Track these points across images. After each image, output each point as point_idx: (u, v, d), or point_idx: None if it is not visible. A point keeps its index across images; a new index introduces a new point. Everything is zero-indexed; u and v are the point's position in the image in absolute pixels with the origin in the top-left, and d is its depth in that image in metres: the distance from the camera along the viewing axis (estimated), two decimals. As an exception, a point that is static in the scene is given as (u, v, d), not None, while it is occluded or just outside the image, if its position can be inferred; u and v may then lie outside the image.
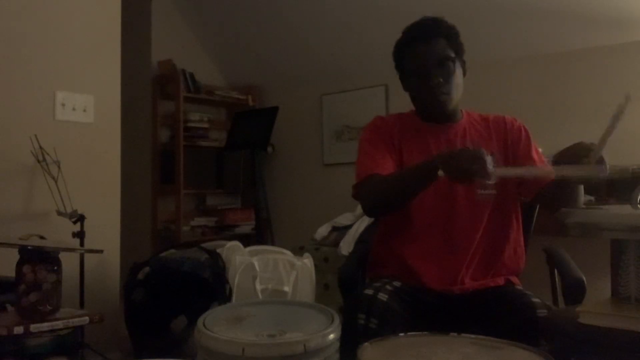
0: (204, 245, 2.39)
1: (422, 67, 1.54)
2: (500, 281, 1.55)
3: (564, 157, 1.30)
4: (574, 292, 1.49)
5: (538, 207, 1.78)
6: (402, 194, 1.47)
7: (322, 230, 3.49)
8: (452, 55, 1.54)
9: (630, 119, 3.21)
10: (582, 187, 1.45)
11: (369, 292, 1.41)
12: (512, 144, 1.61)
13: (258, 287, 2.32)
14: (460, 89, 1.58)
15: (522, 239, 1.64)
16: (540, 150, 1.65)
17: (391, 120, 1.68)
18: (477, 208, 1.55)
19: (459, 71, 1.57)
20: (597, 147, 1.23)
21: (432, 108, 1.59)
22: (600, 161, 1.23)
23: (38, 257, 1.61)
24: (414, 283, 1.52)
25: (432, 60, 1.53)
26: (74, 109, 2.20)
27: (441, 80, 1.52)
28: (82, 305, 2.04)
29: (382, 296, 1.40)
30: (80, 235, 2.05)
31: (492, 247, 1.56)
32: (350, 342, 1.11)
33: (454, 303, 1.49)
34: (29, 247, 1.63)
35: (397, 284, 1.48)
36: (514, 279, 1.60)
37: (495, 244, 1.57)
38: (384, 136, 1.62)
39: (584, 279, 1.51)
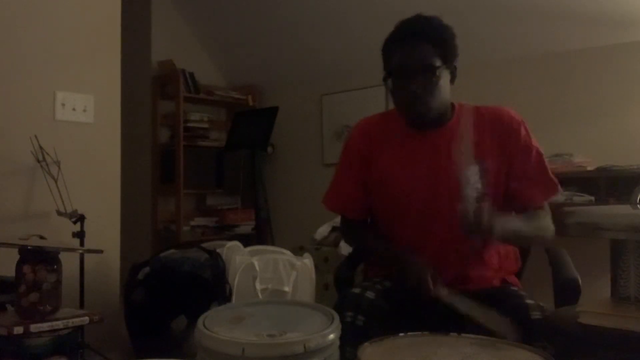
0: (204, 245, 2.39)
1: (403, 71, 1.45)
2: (496, 282, 1.53)
3: None
4: (566, 292, 1.47)
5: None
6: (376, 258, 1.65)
7: (322, 230, 3.49)
8: (437, 64, 1.44)
9: (630, 119, 3.22)
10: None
11: (356, 290, 1.44)
12: (510, 143, 1.50)
13: (258, 287, 2.32)
14: (444, 97, 1.49)
15: None
16: (541, 150, 1.54)
17: (372, 126, 1.63)
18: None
19: (444, 79, 1.47)
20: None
21: (409, 115, 1.53)
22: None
23: (38, 257, 1.61)
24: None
25: (415, 66, 1.44)
26: (74, 109, 2.20)
27: (418, 91, 1.44)
28: (82, 305, 2.04)
29: (370, 294, 1.41)
30: (80, 235, 2.04)
31: (486, 249, 1.54)
32: (339, 340, 1.11)
33: (446, 304, 1.48)
34: (29, 247, 1.62)
35: (388, 284, 1.49)
36: (512, 279, 1.58)
37: (488, 246, 1.54)
38: (358, 153, 1.61)
39: (578, 278, 1.48)
